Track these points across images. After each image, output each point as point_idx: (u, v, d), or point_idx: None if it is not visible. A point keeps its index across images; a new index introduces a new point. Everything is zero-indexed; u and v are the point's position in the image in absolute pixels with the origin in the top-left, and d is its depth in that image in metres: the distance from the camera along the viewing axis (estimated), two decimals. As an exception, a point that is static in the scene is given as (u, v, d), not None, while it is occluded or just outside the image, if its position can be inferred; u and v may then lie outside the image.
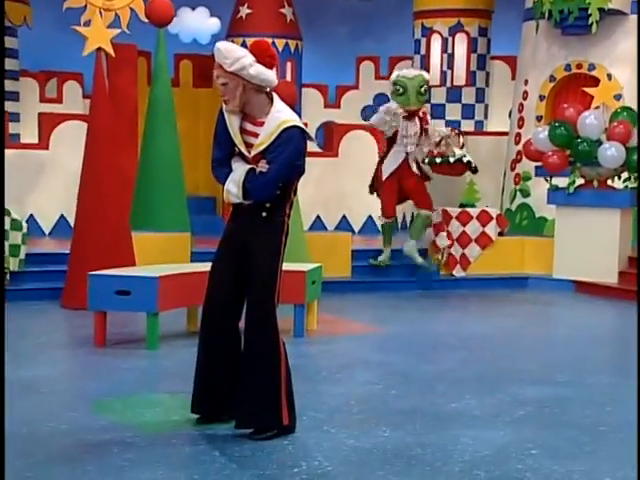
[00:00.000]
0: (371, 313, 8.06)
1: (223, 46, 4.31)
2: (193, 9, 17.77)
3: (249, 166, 4.33)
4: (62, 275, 8.00)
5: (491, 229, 9.45)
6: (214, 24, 18.11)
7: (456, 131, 9.27)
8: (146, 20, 8.51)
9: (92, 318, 6.48)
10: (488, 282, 9.25)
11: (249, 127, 4.37)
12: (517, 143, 12.02)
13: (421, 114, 9.20)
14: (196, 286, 6.62)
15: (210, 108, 12.03)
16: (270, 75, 4.33)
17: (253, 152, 4.35)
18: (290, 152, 4.30)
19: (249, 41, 16.20)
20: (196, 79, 12.33)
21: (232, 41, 16.28)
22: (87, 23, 7.89)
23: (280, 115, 4.35)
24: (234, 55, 4.24)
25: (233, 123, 4.37)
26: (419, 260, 9.01)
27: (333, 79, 15.91)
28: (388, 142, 9.29)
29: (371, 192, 9.40)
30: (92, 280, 6.39)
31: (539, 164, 10.10)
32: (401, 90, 8.92)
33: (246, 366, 4.39)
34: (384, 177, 9.11)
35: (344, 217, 11.58)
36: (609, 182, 9.48)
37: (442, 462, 4.07)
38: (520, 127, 12.15)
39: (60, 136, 10.84)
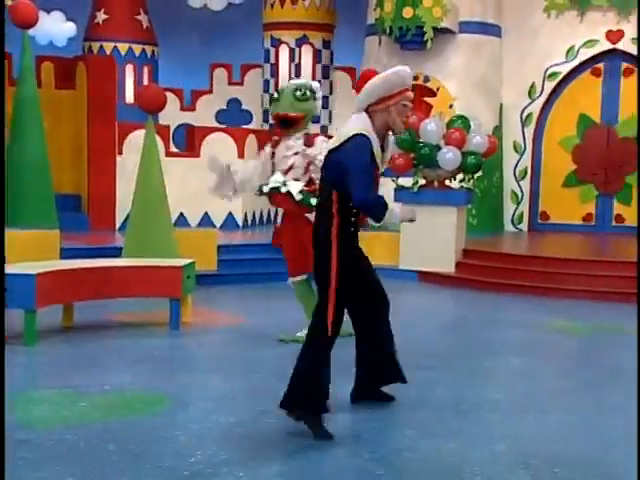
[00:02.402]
0: (241, 304, 7.91)
1: None
2: (48, 12, 17.00)
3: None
4: None
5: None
6: (70, 28, 17.40)
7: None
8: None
9: (-34, 315, 6.01)
10: (342, 273, 9.28)
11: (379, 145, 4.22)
12: (362, 146, 12.20)
13: (306, 133, 6.31)
14: (72, 283, 6.31)
15: (72, 109, 11.50)
16: None
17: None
18: None
19: (106, 46, 15.74)
20: (58, 81, 11.72)
21: (90, 45, 15.74)
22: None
23: None
24: None
25: (378, 147, 4.19)
26: None
27: (188, 83, 15.64)
28: None
29: None
30: (-33, 278, 5.91)
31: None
32: (275, 95, 6.37)
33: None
34: (279, 221, 6.73)
35: (206, 214, 11.37)
36: (447, 182, 9.74)
37: (329, 445, 4.02)
38: (364, 132, 12.34)
39: None
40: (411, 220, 4.31)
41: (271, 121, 6.38)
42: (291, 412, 4.23)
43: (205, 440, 4.04)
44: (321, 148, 6.13)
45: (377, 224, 4.15)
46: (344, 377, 5.17)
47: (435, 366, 5.67)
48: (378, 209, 4.05)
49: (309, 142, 6.29)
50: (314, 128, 14.53)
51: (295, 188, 6.17)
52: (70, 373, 5.25)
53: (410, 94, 4.23)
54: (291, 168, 6.22)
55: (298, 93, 6.26)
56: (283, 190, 6.19)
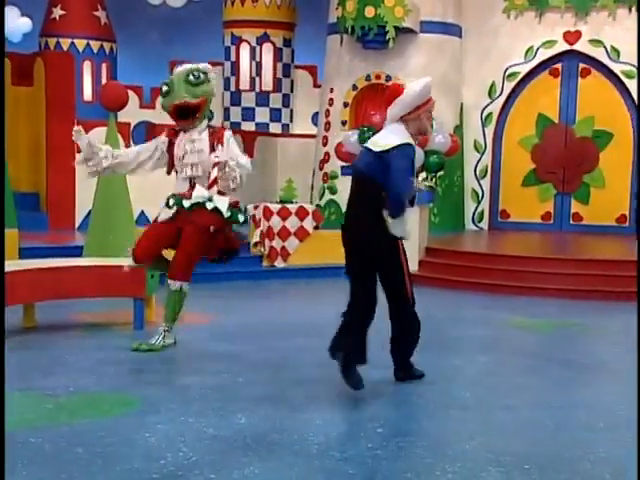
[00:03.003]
0: (205, 303, 7.80)
1: None
2: (3, 8, 16.68)
3: None
4: None
5: (308, 223, 9.52)
6: (25, 23, 17.10)
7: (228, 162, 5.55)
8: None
9: None
10: (306, 272, 9.28)
11: None
12: (325, 145, 12.20)
13: (210, 126, 5.87)
14: (34, 283, 6.20)
15: (29, 106, 11.31)
16: None
17: None
18: None
19: (63, 42, 15.49)
20: (15, 77, 11.52)
21: (46, 41, 15.47)
22: None
23: None
24: None
25: (419, 154, 5.24)
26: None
27: (148, 81, 15.48)
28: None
29: None
30: None
31: (345, 164, 10.27)
32: (165, 88, 5.77)
33: None
34: (160, 218, 5.87)
35: (168, 212, 11.23)
36: (409, 181, 9.75)
37: (299, 445, 3.99)
38: (327, 130, 12.33)
39: None
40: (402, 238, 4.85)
41: (166, 113, 5.94)
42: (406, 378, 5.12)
43: (175, 442, 3.99)
44: (230, 151, 5.70)
45: (390, 219, 4.68)
46: (312, 379, 5.20)
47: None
48: (401, 208, 4.68)
49: (216, 136, 5.78)
50: (276, 126, 14.53)
51: (224, 204, 5.71)
52: (34, 375, 5.15)
53: (433, 101, 4.92)
54: (215, 182, 5.72)
55: (191, 78, 5.70)
56: (209, 206, 5.68)
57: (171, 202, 5.79)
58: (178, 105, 5.71)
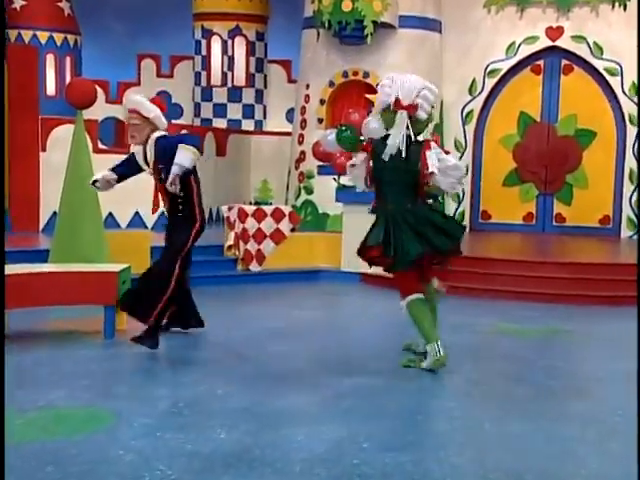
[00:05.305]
0: (176, 310, 7.75)
1: None
2: (-39, -3, 16.45)
3: None
4: None
5: (284, 225, 9.49)
6: (-16, 14, 16.87)
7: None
8: None
9: None
10: (283, 276, 9.25)
11: None
12: (300, 143, 12.16)
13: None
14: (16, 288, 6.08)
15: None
16: None
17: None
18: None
19: (24, 34, 15.29)
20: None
21: (7, 33, 15.27)
22: None
23: None
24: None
25: None
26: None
27: (114, 75, 15.37)
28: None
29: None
30: None
31: (322, 163, 10.25)
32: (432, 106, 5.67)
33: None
34: None
35: (137, 214, 11.15)
36: (389, 182, 9.75)
37: (282, 463, 3.96)
38: (303, 128, 12.29)
39: None
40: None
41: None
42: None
43: (151, 459, 3.94)
44: None
45: None
46: (294, 390, 5.15)
47: (382, 371, 5.65)
48: None
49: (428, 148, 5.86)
50: (249, 123, 14.49)
51: None
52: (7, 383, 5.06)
53: None
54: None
55: None
56: None
57: None
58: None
